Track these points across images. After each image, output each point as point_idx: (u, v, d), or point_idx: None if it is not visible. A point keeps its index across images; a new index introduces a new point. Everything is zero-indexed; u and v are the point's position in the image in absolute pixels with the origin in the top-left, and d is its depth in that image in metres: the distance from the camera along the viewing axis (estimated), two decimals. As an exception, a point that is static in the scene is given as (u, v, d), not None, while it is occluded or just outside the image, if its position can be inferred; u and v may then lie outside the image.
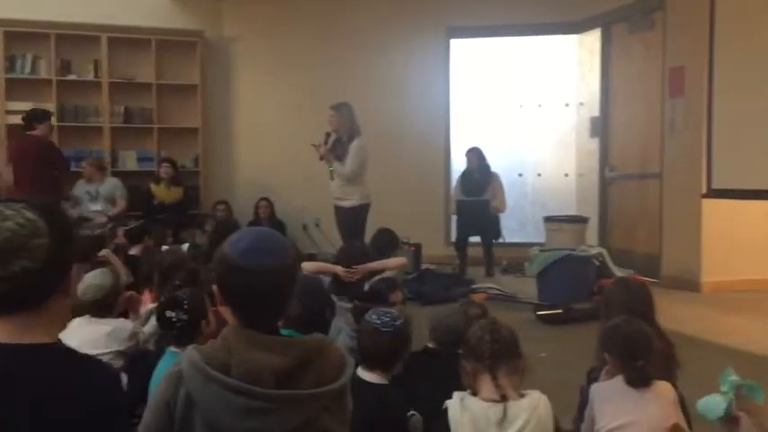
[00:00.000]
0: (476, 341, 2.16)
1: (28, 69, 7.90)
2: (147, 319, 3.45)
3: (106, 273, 3.31)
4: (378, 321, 2.41)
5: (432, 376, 2.60)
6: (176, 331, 2.69)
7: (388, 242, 5.02)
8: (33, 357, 1.33)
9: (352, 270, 4.34)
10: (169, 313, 2.70)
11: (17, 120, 7.72)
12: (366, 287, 4.01)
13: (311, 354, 1.54)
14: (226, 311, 1.58)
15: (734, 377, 2.11)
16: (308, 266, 4.19)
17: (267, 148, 8.46)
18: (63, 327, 1.48)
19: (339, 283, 4.28)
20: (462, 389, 2.18)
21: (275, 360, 1.49)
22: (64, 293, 1.42)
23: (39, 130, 6.76)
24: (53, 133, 7.28)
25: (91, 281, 3.19)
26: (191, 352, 1.52)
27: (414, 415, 2.28)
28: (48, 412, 1.30)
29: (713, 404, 2.07)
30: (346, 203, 6.20)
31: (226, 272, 1.55)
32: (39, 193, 6.32)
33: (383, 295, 3.44)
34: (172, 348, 2.68)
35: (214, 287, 1.60)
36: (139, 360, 3.11)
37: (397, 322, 2.43)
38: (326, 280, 4.23)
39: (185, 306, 2.71)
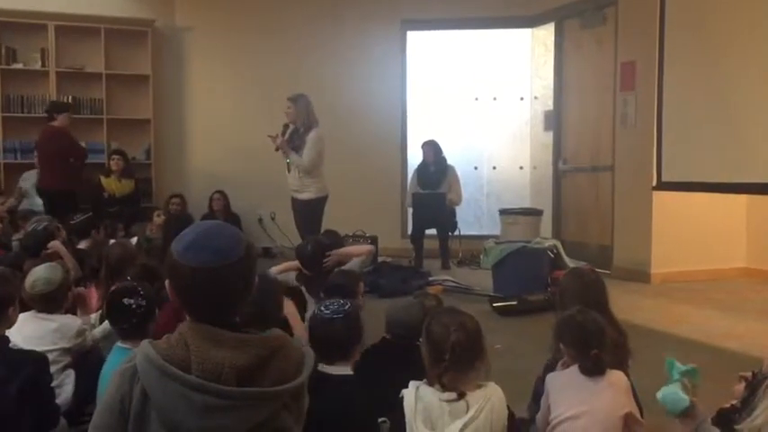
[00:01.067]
0: (439, 337, 2.13)
1: (-30, 57, 7.65)
2: (95, 323, 3.36)
3: (56, 267, 3.21)
4: (327, 311, 2.41)
5: (389, 367, 2.59)
6: (135, 319, 2.62)
7: (331, 243, 4.94)
8: None
9: (327, 256, 4.32)
10: (127, 300, 2.63)
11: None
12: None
13: (271, 351, 1.51)
14: (180, 307, 1.55)
15: (678, 364, 2.15)
16: (274, 270, 4.20)
17: (221, 139, 8.35)
18: None
19: (305, 278, 4.26)
20: (420, 378, 2.18)
21: (236, 357, 1.46)
22: None
23: (58, 121, 6.97)
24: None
25: (39, 274, 3.09)
26: (146, 347, 1.47)
27: (384, 422, 2.25)
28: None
29: (676, 397, 2.08)
30: (303, 196, 6.16)
31: (171, 268, 1.52)
32: (57, 180, 6.82)
33: (348, 288, 3.43)
34: (119, 344, 2.61)
35: (166, 282, 1.56)
36: (87, 357, 3.04)
37: (347, 307, 2.42)
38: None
39: (141, 293, 2.65)
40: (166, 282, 1.56)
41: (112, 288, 2.96)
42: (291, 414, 1.53)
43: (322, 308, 2.45)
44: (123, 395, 1.46)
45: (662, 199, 6.60)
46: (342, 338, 2.39)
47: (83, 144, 7.44)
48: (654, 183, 6.52)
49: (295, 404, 1.54)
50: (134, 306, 2.62)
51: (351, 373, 2.39)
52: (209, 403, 1.42)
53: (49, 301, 3.07)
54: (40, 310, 3.06)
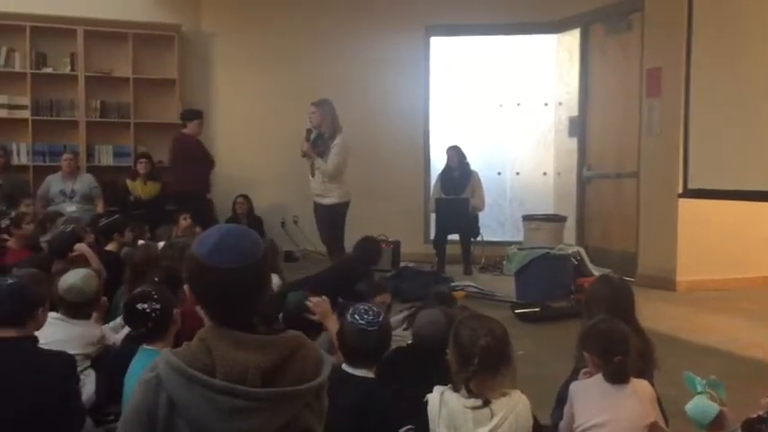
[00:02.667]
0: (467, 341, 2.12)
1: (2, 62, 7.78)
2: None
3: (91, 276, 3.24)
4: (362, 322, 2.41)
5: (415, 372, 2.60)
6: (150, 323, 2.64)
7: (372, 249, 4.96)
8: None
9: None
10: (141, 305, 2.65)
11: (-9, 112, 7.67)
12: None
13: (291, 351, 1.52)
14: (200, 310, 1.56)
15: (699, 378, 2.13)
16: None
17: (245, 144, 8.41)
18: None
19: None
20: (444, 384, 2.18)
21: (259, 358, 1.47)
22: None
23: (189, 128, 7.25)
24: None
25: (75, 283, 3.13)
26: (167, 355, 1.48)
27: (411, 429, 2.25)
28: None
29: (704, 407, 2.06)
30: (326, 201, 6.18)
31: (194, 270, 1.53)
32: (184, 183, 7.08)
33: (365, 297, 3.45)
34: (145, 346, 2.63)
35: (185, 286, 1.57)
36: (105, 358, 3.08)
37: (380, 319, 2.43)
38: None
39: (155, 297, 2.67)
40: (186, 286, 1.57)
41: (131, 295, 3.00)
42: (314, 413, 1.54)
43: (356, 316, 2.44)
44: (149, 406, 1.47)
45: (688, 206, 6.52)
46: (374, 349, 2.43)
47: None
48: (680, 190, 6.45)
49: (317, 403, 1.55)
50: (148, 310, 2.63)
51: (372, 376, 2.41)
52: (237, 406, 1.43)
53: (80, 309, 3.12)
54: (69, 315, 3.10)
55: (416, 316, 3.00)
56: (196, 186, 7.21)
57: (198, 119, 7.39)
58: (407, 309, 3.94)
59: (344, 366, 2.39)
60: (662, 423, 2.30)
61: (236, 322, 1.52)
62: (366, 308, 2.48)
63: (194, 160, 7.25)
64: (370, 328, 2.39)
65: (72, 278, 3.15)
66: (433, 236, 8.03)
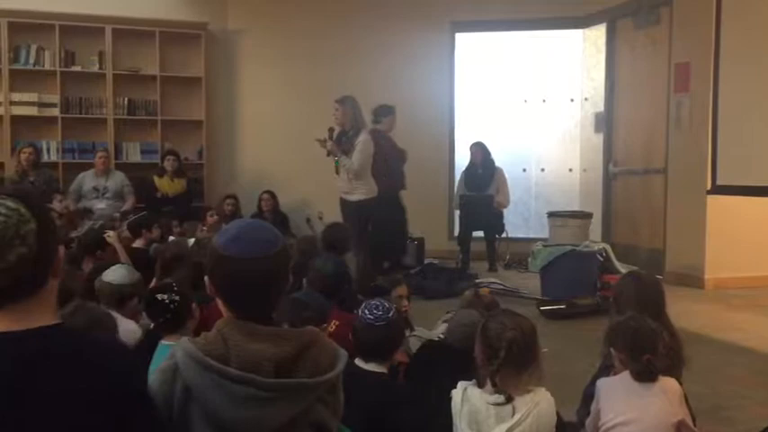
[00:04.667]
0: (494, 334, 2.13)
1: (32, 60, 7.89)
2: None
3: (127, 275, 3.26)
4: (371, 316, 2.43)
5: (443, 367, 2.61)
6: (169, 314, 2.68)
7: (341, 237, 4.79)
8: (48, 339, 1.33)
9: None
10: (161, 296, 2.68)
11: (22, 111, 7.79)
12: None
13: (306, 345, 1.55)
14: (219, 303, 1.60)
15: None
16: None
17: (270, 140, 8.46)
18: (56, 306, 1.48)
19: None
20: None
21: (273, 350, 1.50)
22: (55, 275, 1.42)
23: (383, 124, 7.07)
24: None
25: (112, 279, 3.18)
26: (185, 343, 1.51)
27: None
28: (70, 393, 1.30)
29: None
30: (353, 197, 6.19)
31: (214, 261, 1.57)
32: (379, 181, 6.72)
33: (384, 291, 3.46)
34: (163, 341, 2.66)
35: (206, 278, 1.61)
36: None
37: (390, 314, 2.44)
38: None
39: (175, 289, 2.71)
40: (206, 277, 1.60)
41: (152, 287, 3.04)
42: (327, 408, 1.57)
43: (366, 311, 2.47)
44: (165, 393, 1.50)
45: (716, 203, 6.44)
46: (382, 344, 2.44)
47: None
48: (708, 186, 6.37)
49: (331, 397, 1.58)
50: (167, 301, 2.66)
51: (385, 371, 2.43)
52: (249, 395, 1.46)
53: (121, 304, 3.17)
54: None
55: (454, 315, 3.01)
56: (392, 183, 7.02)
57: (391, 114, 7.18)
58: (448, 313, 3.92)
59: (357, 360, 2.42)
60: (689, 421, 2.28)
61: (253, 314, 1.55)
62: (377, 303, 2.50)
63: (388, 156, 7.01)
64: (377, 323, 2.41)
65: (111, 275, 3.19)
66: (457, 232, 8.02)
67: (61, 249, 1.44)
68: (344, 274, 3.74)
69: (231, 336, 1.51)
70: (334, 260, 3.74)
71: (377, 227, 6.81)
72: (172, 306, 2.66)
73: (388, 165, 6.94)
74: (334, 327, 2.97)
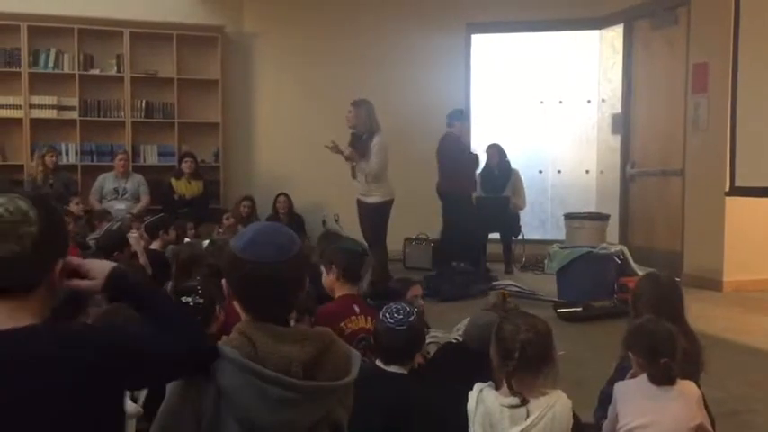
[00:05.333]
0: (509, 335, 2.12)
1: (51, 64, 7.96)
2: None
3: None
4: (392, 320, 2.43)
5: (462, 368, 2.60)
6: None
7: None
8: (27, 338, 1.33)
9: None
10: (185, 298, 2.69)
11: (41, 114, 7.87)
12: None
13: (326, 345, 1.57)
14: (236, 305, 1.61)
15: None
16: None
17: (286, 142, 8.48)
18: (47, 313, 1.47)
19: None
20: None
21: (299, 351, 1.51)
22: (49, 286, 1.42)
23: (455, 128, 7.14)
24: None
25: None
26: (220, 346, 1.51)
27: None
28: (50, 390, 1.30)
29: None
30: (370, 200, 6.20)
31: (230, 264, 1.58)
32: (450, 184, 6.94)
33: (398, 293, 3.45)
34: None
35: (223, 281, 1.62)
36: None
37: (411, 318, 2.44)
38: None
39: (200, 291, 2.71)
40: (223, 280, 1.62)
41: (176, 288, 3.04)
42: (343, 407, 1.58)
43: (387, 314, 2.47)
44: (195, 396, 1.49)
45: (735, 204, 6.39)
46: (403, 348, 2.44)
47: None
48: (726, 188, 6.31)
49: (346, 398, 1.60)
50: (192, 304, 2.66)
51: (405, 372, 2.43)
52: (284, 397, 1.46)
53: (65, 307, 3.17)
54: (55, 314, 3.16)
55: (471, 318, 3.01)
56: (463, 185, 7.11)
57: (463, 118, 7.26)
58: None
59: (378, 362, 2.43)
60: (708, 425, 2.26)
61: (271, 316, 1.56)
62: (398, 307, 2.50)
63: (460, 160, 7.11)
64: (398, 327, 2.41)
65: None
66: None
67: (60, 262, 1.43)
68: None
69: (258, 338, 1.51)
70: None
71: (448, 228, 6.80)
72: (196, 309, 2.66)
73: (458, 168, 6.96)
74: None
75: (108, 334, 1.46)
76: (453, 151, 7.04)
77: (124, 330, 1.54)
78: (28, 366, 1.30)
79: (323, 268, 3.10)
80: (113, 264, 1.53)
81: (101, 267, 1.50)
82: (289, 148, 8.44)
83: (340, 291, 3.09)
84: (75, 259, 1.51)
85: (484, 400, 2.10)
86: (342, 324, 2.90)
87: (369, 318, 2.97)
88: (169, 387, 1.53)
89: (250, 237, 1.58)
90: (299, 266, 1.62)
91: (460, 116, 7.24)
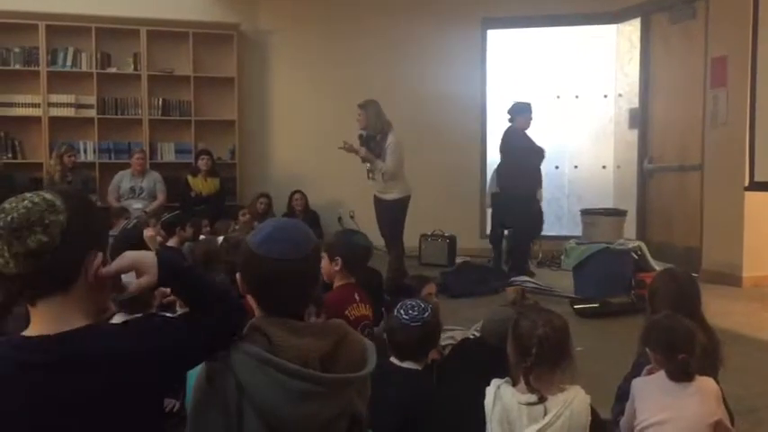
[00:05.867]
0: (525, 331, 2.11)
1: (69, 62, 8.03)
2: None
3: None
4: (406, 317, 2.44)
5: (479, 364, 2.60)
6: None
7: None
8: (74, 341, 1.33)
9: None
10: None
11: (59, 112, 7.94)
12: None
13: (341, 337, 1.57)
14: (250, 299, 1.60)
15: None
16: None
17: (302, 139, 8.50)
18: (98, 315, 1.46)
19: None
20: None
21: (317, 344, 1.51)
22: (90, 279, 1.39)
23: (516, 122, 7.00)
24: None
25: (130, 278, 3.20)
26: (236, 341, 1.51)
27: None
28: (98, 396, 1.31)
29: None
30: (388, 197, 6.20)
31: (246, 260, 1.58)
32: (514, 180, 6.88)
33: (413, 290, 3.46)
34: None
35: (237, 275, 1.62)
36: None
37: (425, 315, 2.44)
38: None
39: None
40: (238, 275, 1.61)
41: None
42: (361, 399, 1.58)
43: (401, 311, 2.48)
44: (217, 392, 1.48)
45: (754, 199, 6.32)
46: (417, 344, 2.45)
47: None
48: (746, 183, 6.25)
49: (364, 389, 1.59)
50: None
51: (419, 368, 2.44)
52: (305, 389, 1.46)
53: (135, 303, 3.19)
54: (130, 312, 3.18)
55: (488, 313, 3.00)
56: (527, 183, 7.01)
57: (526, 111, 7.06)
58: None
59: (392, 358, 2.43)
60: (727, 422, 2.24)
61: (286, 312, 1.56)
62: (413, 303, 2.51)
63: (524, 155, 6.98)
64: (412, 324, 2.42)
65: (128, 276, 3.22)
66: (489, 231, 7.98)
67: (99, 256, 1.40)
68: None
69: (273, 332, 1.50)
70: None
71: (513, 224, 6.69)
72: None
73: (521, 163, 6.87)
74: None
75: (168, 329, 1.45)
76: (518, 147, 6.89)
77: (172, 321, 1.53)
78: (100, 364, 1.31)
79: (325, 257, 3.12)
80: (151, 253, 1.50)
81: (148, 259, 1.46)
82: (304, 145, 8.46)
83: (339, 281, 3.15)
84: (125, 259, 1.46)
85: (501, 398, 2.09)
86: (346, 312, 2.96)
87: (368, 305, 3.08)
88: (193, 388, 1.53)
89: (267, 233, 1.58)
90: (315, 262, 1.63)
91: (523, 109, 7.03)
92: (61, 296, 1.36)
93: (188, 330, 1.45)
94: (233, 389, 1.48)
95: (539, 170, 7.20)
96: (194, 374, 1.57)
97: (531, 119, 7.02)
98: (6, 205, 1.34)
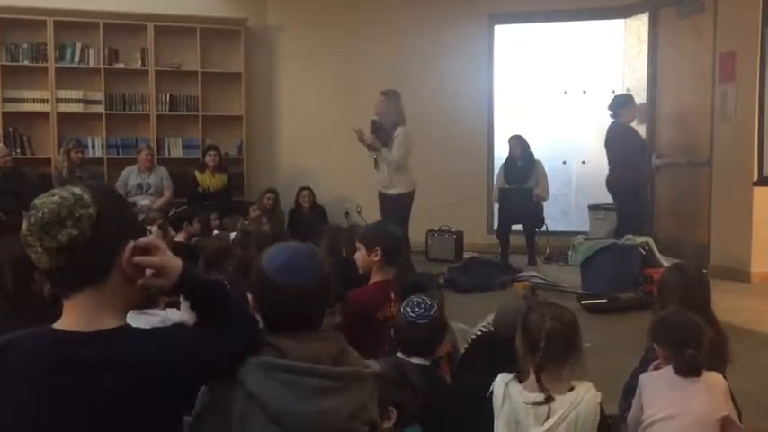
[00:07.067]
0: (534, 325, 2.11)
1: (77, 58, 8.05)
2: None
3: None
4: (413, 315, 2.44)
5: (494, 358, 2.60)
6: None
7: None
8: (105, 343, 1.35)
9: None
10: None
11: (67, 108, 7.96)
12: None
13: (343, 345, 1.61)
14: (259, 317, 1.62)
15: None
16: None
17: (309, 135, 8.51)
18: (129, 308, 1.48)
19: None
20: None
21: (326, 346, 1.55)
22: (124, 266, 1.40)
23: (621, 116, 6.91)
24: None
25: None
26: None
27: None
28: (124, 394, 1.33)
29: None
30: (392, 191, 6.20)
31: (262, 286, 1.60)
32: (621, 176, 6.71)
33: (423, 287, 3.46)
34: None
35: (249, 296, 1.64)
36: None
37: (432, 312, 2.45)
38: None
39: (228, 286, 2.72)
40: (250, 296, 1.63)
41: None
42: (374, 404, 1.60)
43: (408, 308, 2.49)
44: (224, 402, 1.49)
45: (763, 195, 6.30)
46: (424, 341, 2.46)
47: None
48: (755, 178, 6.23)
49: (374, 395, 1.62)
50: None
51: (428, 363, 2.46)
52: (319, 385, 1.48)
53: (150, 297, 3.20)
54: (143, 306, 3.18)
55: (500, 305, 3.00)
56: (636, 176, 6.89)
57: (629, 104, 6.95)
58: None
59: (399, 354, 2.44)
60: (735, 417, 2.24)
61: (292, 330, 1.59)
62: (419, 300, 2.51)
63: (629, 149, 6.86)
64: (419, 321, 2.43)
65: None
66: (496, 226, 7.97)
67: (130, 245, 1.41)
68: None
69: (284, 344, 1.53)
70: None
71: (623, 225, 6.63)
72: None
73: (630, 158, 6.77)
74: None
75: (185, 339, 1.47)
76: (624, 141, 6.80)
77: (195, 335, 1.54)
78: (126, 370, 1.33)
79: (363, 248, 3.08)
80: (179, 262, 1.52)
81: (175, 266, 1.48)
82: (312, 141, 8.47)
83: (378, 274, 3.07)
84: (151, 248, 1.46)
85: (510, 396, 2.09)
86: (378, 314, 2.92)
87: (400, 305, 2.99)
88: (199, 397, 1.53)
89: (284, 260, 1.60)
90: (327, 287, 1.66)
91: (626, 102, 6.94)
92: (95, 289, 1.38)
93: (212, 345, 1.47)
94: (241, 397, 1.48)
95: (645, 167, 7.10)
96: None
97: (635, 111, 6.91)
98: (36, 201, 1.37)
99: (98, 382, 1.31)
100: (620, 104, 6.93)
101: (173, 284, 1.47)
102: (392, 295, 3.01)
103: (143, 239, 1.44)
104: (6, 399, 1.33)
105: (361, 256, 3.10)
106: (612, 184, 6.99)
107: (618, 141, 6.85)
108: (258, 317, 1.61)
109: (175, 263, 1.49)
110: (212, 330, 1.49)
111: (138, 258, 1.41)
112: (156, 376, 1.34)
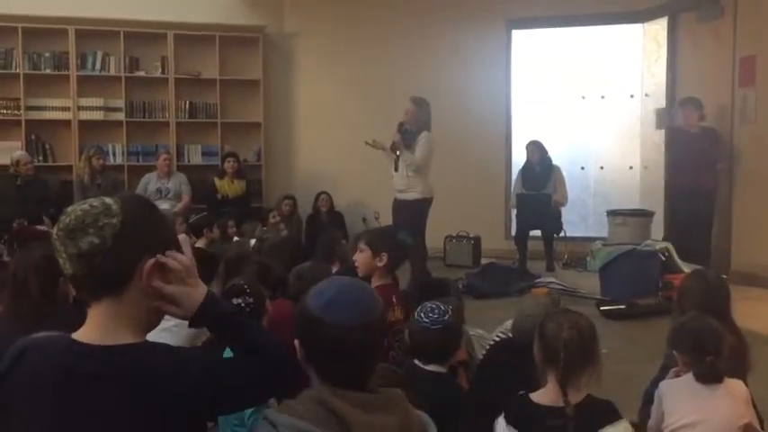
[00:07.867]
0: (552, 333, 2.10)
1: (98, 66, 8.14)
2: None
3: None
4: (427, 320, 2.44)
5: (513, 364, 2.59)
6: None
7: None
8: (117, 358, 1.34)
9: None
10: (236, 300, 2.71)
11: (89, 116, 8.06)
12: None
13: (407, 410, 1.45)
14: (308, 369, 1.45)
15: None
16: None
17: (327, 142, 8.54)
18: (151, 323, 1.44)
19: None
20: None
21: (389, 420, 1.38)
22: (143, 285, 1.37)
23: (678, 118, 6.91)
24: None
25: None
26: (292, 421, 1.34)
27: None
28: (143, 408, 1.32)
29: None
30: (408, 196, 6.19)
31: (306, 324, 1.43)
32: (694, 180, 6.60)
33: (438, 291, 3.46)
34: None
35: (296, 342, 1.47)
36: None
37: (446, 317, 2.44)
38: None
39: (248, 291, 2.74)
40: (296, 342, 1.46)
41: (225, 289, 3.08)
42: None
43: (422, 314, 2.48)
44: None
45: (785, 200, 6.24)
46: (438, 347, 2.45)
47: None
48: (776, 183, 6.17)
49: None
50: (243, 305, 2.67)
51: (444, 371, 2.45)
52: None
53: None
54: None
55: (518, 311, 2.99)
56: (708, 182, 6.75)
57: (686, 105, 6.87)
58: None
59: (416, 362, 2.43)
60: (756, 424, 2.23)
61: (354, 382, 1.41)
62: (433, 306, 2.50)
63: (712, 157, 6.74)
64: (433, 327, 2.41)
65: None
66: (514, 232, 7.95)
67: (152, 260, 1.37)
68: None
69: (345, 410, 1.34)
70: None
71: (683, 228, 6.59)
72: (248, 309, 2.67)
73: (682, 160, 6.74)
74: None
75: (206, 363, 1.42)
76: (674, 144, 6.87)
77: (217, 361, 1.49)
78: (144, 385, 1.31)
79: (368, 251, 3.04)
80: (206, 292, 1.44)
81: (193, 297, 1.41)
82: (330, 147, 8.49)
83: (380, 279, 3.05)
84: (170, 280, 1.40)
85: None
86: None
87: (401, 309, 3.00)
88: None
89: (330, 296, 1.43)
90: (381, 330, 1.51)
91: (684, 103, 6.91)
92: (113, 299, 1.36)
93: (236, 376, 1.40)
94: None
95: (715, 167, 6.90)
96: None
97: (692, 111, 6.80)
98: (69, 207, 1.38)
99: (104, 398, 1.30)
100: (687, 104, 6.85)
101: (191, 318, 1.41)
102: (393, 299, 3.01)
103: (169, 259, 1.40)
104: (19, 404, 1.34)
105: (364, 258, 3.04)
106: (673, 188, 6.95)
107: (668, 146, 6.92)
108: (310, 370, 1.45)
109: (195, 294, 1.41)
110: (241, 361, 1.43)
111: (154, 283, 1.38)
112: (165, 398, 1.31)
